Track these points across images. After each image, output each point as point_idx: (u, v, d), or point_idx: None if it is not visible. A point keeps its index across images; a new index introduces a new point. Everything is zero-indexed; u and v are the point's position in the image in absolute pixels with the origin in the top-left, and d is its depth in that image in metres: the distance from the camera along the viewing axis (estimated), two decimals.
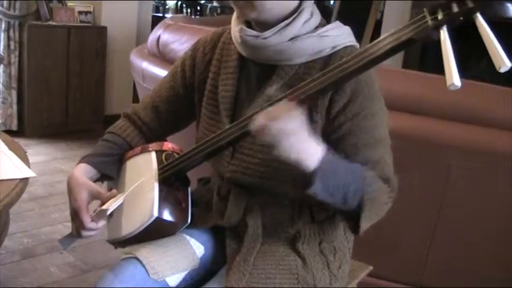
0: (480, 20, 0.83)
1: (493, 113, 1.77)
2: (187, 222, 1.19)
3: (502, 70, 0.80)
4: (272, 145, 0.93)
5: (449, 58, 0.81)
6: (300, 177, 0.99)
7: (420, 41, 0.89)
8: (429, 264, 1.95)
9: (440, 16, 0.85)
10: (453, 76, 0.79)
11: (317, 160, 0.97)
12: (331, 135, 1.12)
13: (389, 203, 1.12)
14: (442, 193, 1.84)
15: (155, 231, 1.17)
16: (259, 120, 0.93)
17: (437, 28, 0.86)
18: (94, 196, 1.20)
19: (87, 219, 1.16)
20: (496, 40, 0.80)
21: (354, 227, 1.08)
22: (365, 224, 1.07)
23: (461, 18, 0.85)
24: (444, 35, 0.84)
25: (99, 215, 1.18)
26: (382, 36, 0.92)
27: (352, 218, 1.07)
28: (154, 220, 1.14)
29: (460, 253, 1.91)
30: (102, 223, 1.19)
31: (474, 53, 3.22)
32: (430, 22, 0.86)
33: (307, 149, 0.96)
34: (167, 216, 1.16)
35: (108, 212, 1.17)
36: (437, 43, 0.87)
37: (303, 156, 0.96)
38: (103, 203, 1.20)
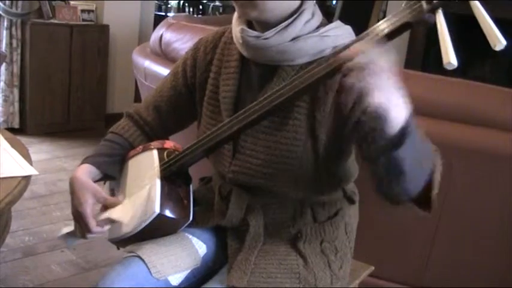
0: (475, 2, 0.83)
1: (495, 114, 1.77)
2: (189, 219, 1.19)
3: (498, 48, 0.80)
4: (365, 86, 0.81)
5: (445, 39, 0.82)
6: (389, 129, 0.85)
7: (416, 25, 0.90)
8: (430, 265, 1.95)
9: (435, 0, 0.86)
10: (449, 55, 0.81)
11: (408, 106, 0.86)
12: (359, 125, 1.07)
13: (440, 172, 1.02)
14: (443, 193, 1.83)
15: (157, 229, 1.17)
16: (354, 50, 0.83)
17: (432, 11, 0.86)
18: (99, 200, 1.21)
19: (92, 224, 1.17)
20: (490, 20, 0.81)
21: (424, 203, 0.99)
22: (435, 195, 0.97)
23: (456, 0, 0.85)
24: (439, 17, 0.85)
25: (107, 222, 1.18)
26: (378, 23, 0.93)
27: (420, 194, 0.98)
28: (156, 217, 1.13)
29: (461, 254, 1.91)
30: (107, 227, 1.20)
31: (477, 55, 3.22)
32: (425, 5, 0.87)
33: (397, 92, 0.85)
34: (169, 212, 1.15)
35: (124, 221, 1.17)
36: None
37: (395, 99, 0.84)
38: (106, 207, 1.20)
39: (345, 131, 1.09)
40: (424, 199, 0.99)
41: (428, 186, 0.98)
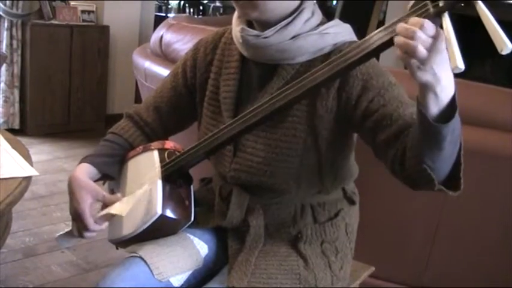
0: (480, 5, 0.83)
1: (496, 115, 1.77)
2: (190, 220, 1.19)
3: (504, 52, 0.79)
4: (415, 59, 0.82)
5: (453, 43, 0.81)
6: (434, 106, 0.86)
7: None
8: (430, 265, 1.95)
9: (441, 3, 0.85)
10: (457, 60, 0.80)
11: (454, 86, 0.86)
12: (367, 115, 1.07)
13: None
14: (443, 194, 1.84)
15: (158, 229, 1.17)
16: (407, 25, 0.83)
17: (439, 15, 0.86)
18: (97, 199, 1.20)
19: (90, 222, 1.17)
20: (496, 23, 0.80)
21: (453, 183, 0.97)
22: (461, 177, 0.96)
23: (462, 4, 0.85)
24: (446, 21, 0.85)
25: (107, 218, 1.18)
26: (384, 26, 0.93)
27: (448, 174, 0.97)
28: (158, 217, 1.13)
29: (461, 254, 1.91)
30: (105, 224, 1.20)
31: (478, 55, 3.21)
32: (431, 9, 0.86)
33: (449, 71, 0.85)
34: (170, 213, 1.15)
35: (123, 214, 1.17)
36: None
37: (445, 77, 0.84)
38: (106, 205, 1.20)
39: (353, 121, 1.10)
40: (451, 180, 0.97)
41: (457, 166, 0.95)
